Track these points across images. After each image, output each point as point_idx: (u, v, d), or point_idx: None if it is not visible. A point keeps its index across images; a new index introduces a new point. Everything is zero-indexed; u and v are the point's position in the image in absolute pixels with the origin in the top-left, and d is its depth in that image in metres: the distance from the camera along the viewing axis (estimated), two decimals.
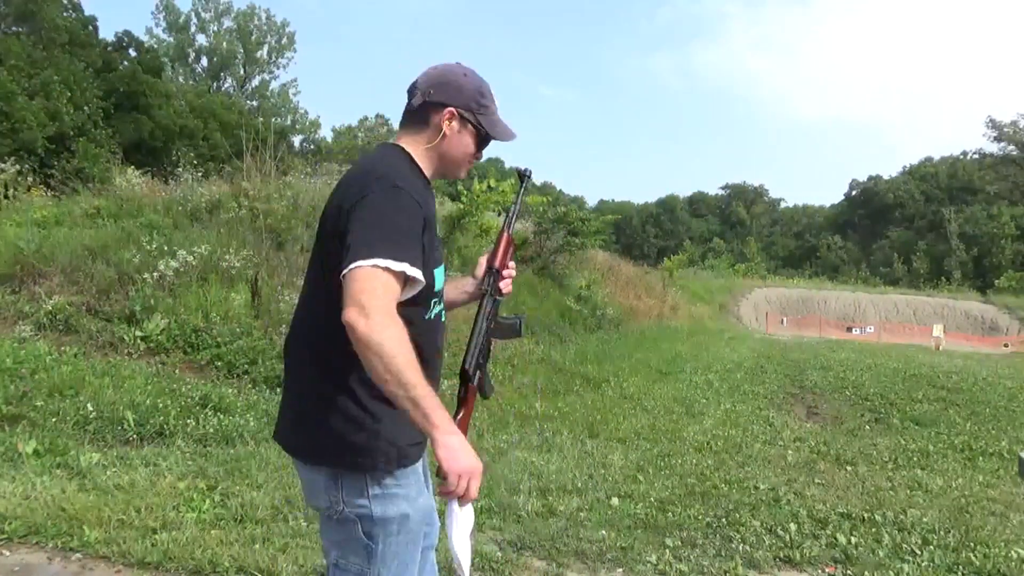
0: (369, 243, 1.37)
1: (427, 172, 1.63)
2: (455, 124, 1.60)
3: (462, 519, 1.46)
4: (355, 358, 1.37)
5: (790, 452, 5.87)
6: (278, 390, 6.00)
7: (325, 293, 1.48)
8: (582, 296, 14.83)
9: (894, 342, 25.50)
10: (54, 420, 4.67)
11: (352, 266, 1.36)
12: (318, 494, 1.55)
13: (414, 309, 1.51)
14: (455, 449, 1.37)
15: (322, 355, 1.51)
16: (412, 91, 1.63)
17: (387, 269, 1.37)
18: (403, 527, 1.54)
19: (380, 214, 1.41)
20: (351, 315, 1.33)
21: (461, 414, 1.63)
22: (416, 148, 1.61)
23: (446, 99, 1.59)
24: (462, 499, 1.42)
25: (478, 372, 1.70)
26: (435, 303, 1.61)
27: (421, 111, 1.61)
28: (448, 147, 1.62)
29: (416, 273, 1.41)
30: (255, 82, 50.85)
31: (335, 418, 1.49)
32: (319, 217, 1.60)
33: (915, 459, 5.98)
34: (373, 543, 1.52)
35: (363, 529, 1.51)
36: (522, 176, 1.93)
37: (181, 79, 45.56)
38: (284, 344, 1.68)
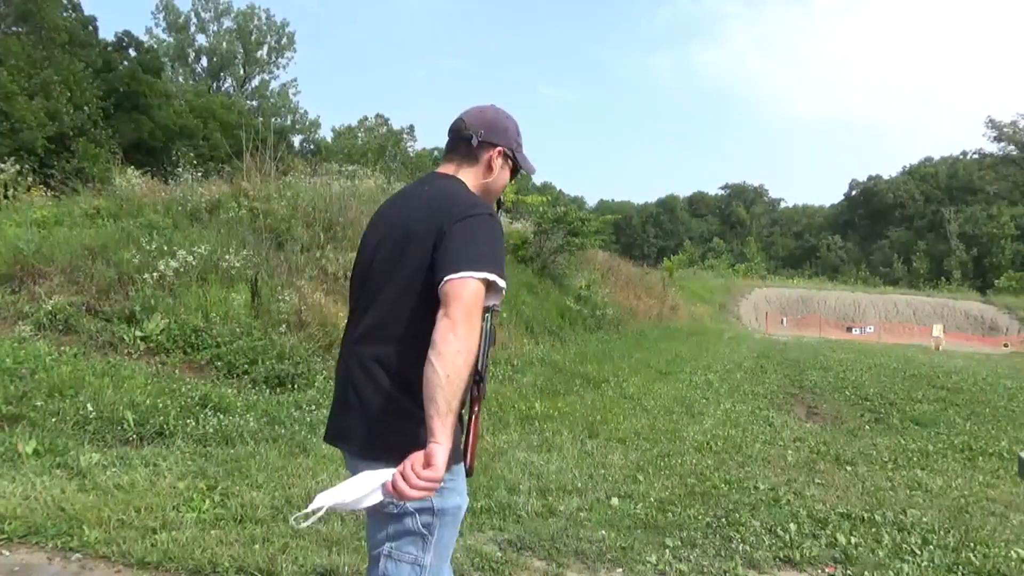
0: (476, 258, 1.57)
1: None
2: (500, 161, 1.87)
3: (357, 488, 1.52)
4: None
5: (790, 452, 5.87)
6: (278, 390, 6.03)
7: (411, 311, 1.64)
8: (582, 296, 14.83)
9: (894, 342, 25.51)
10: (54, 420, 4.67)
11: (463, 274, 1.54)
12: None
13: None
14: (444, 461, 1.48)
15: (397, 367, 1.65)
16: (461, 129, 1.86)
17: (488, 281, 1.57)
18: (455, 517, 1.75)
19: (485, 235, 1.63)
20: (456, 313, 1.50)
21: (476, 409, 1.73)
22: (473, 182, 1.85)
23: (496, 140, 1.85)
24: (396, 492, 1.47)
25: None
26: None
27: (475, 149, 1.84)
28: (496, 182, 1.88)
29: (504, 286, 1.63)
30: (255, 82, 50.90)
31: (411, 421, 1.61)
32: (393, 239, 1.74)
33: (915, 459, 5.98)
34: (429, 533, 1.70)
35: (421, 521, 1.68)
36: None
37: (181, 79, 45.56)
38: (351, 350, 1.75)
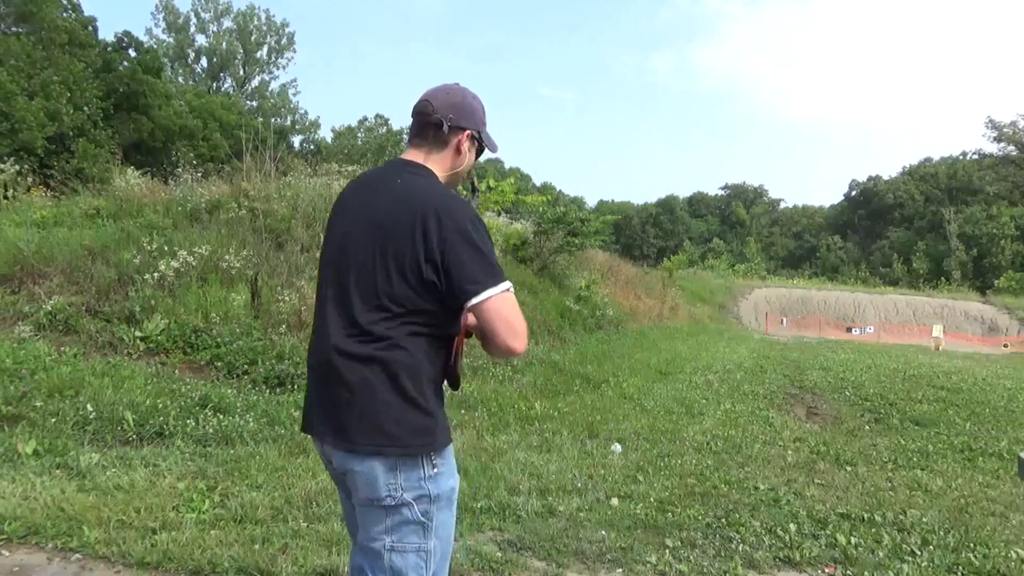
0: (489, 273, 1.64)
1: None
2: (468, 144, 1.85)
3: None
4: (416, 355, 1.66)
5: (790, 452, 5.87)
6: (278, 390, 6.02)
7: (396, 304, 1.66)
8: (582, 296, 14.82)
9: (894, 342, 25.53)
10: (54, 420, 4.67)
11: (487, 295, 1.63)
12: (375, 485, 1.68)
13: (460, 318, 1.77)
14: None
15: (387, 357, 1.66)
16: (428, 113, 1.80)
17: (509, 290, 1.67)
18: (451, 500, 1.78)
19: (483, 243, 1.66)
20: (509, 340, 1.64)
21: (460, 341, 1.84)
22: (442, 169, 1.83)
23: (465, 123, 1.82)
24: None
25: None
26: None
27: (444, 134, 1.81)
28: (464, 166, 1.87)
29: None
30: (255, 82, 50.88)
31: (404, 408, 1.66)
32: (367, 232, 1.73)
33: (915, 459, 5.98)
34: (428, 520, 1.71)
35: (420, 510, 1.70)
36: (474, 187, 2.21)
37: (181, 79, 45.56)
38: (330, 349, 1.72)
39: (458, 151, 1.83)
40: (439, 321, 1.71)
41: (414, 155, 1.82)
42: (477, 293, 1.62)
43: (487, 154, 1.98)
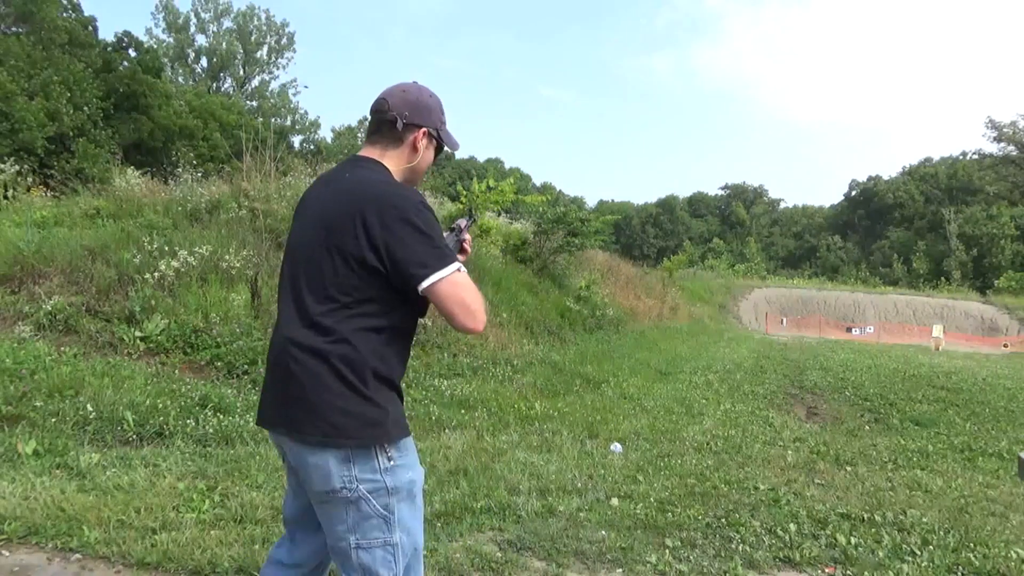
0: (436, 256, 1.66)
1: None
2: (425, 141, 1.86)
3: None
4: (366, 348, 1.66)
5: (790, 452, 5.87)
6: None
7: (344, 295, 1.68)
8: (582, 296, 14.82)
9: (894, 342, 25.52)
10: (54, 420, 4.66)
11: (437, 278, 1.64)
12: (329, 477, 1.68)
13: (417, 297, 1.72)
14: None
15: (336, 350, 1.67)
16: (385, 111, 1.83)
17: (460, 270, 1.69)
18: (411, 492, 1.76)
19: (428, 228, 1.67)
20: (466, 320, 1.68)
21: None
22: (398, 166, 1.84)
23: (421, 121, 1.84)
24: None
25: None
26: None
27: (398, 131, 1.83)
28: (422, 163, 1.88)
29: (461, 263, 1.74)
30: (255, 82, 50.89)
31: (352, 400, 1.66)
32: (313, 226, 1.77)
33: (915, 459, 5.98)
34: (389, 512, 1.71)
35: (378, 503, 1.70)
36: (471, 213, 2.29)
37: (181, 79, 45.56)
38: (284, 341, 1.75)
39: (414, 148, 1.84)
40: (390, 310, 1.71)
41: (369, 152, 1.85)
42: (426, 277, 1.64)
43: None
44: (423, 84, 1.91)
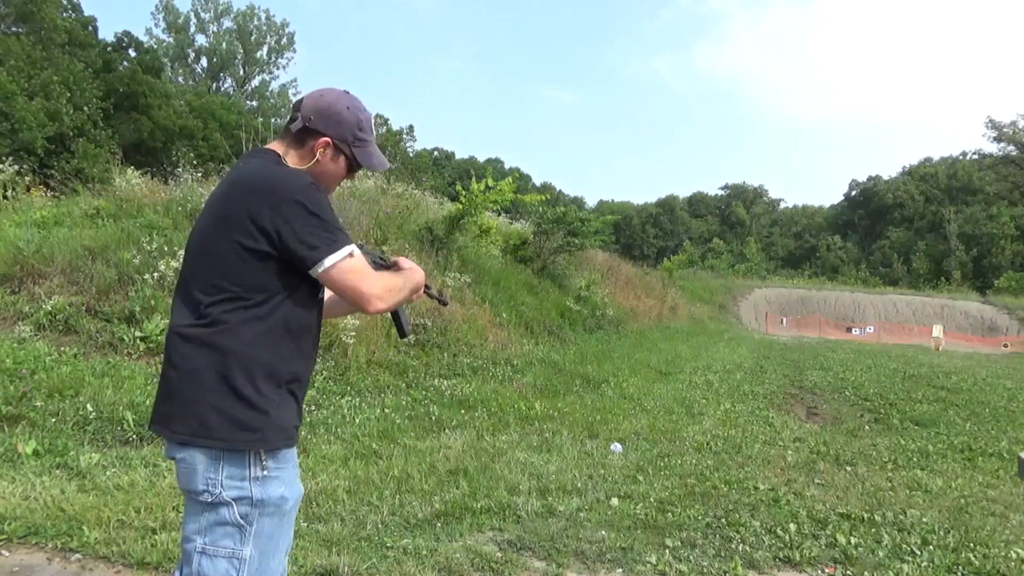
0: (327, 240, 1.61)
1: None
2: (329, 152, 1.78)
3: None
4: (251, 343, 1.60)
5: (790, 452, 5.87)
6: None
7: (234, 284, 1.61)
8: (582, 296, 14.82)
9: (894, 342, 25.52)
10: (54, 420, 4.66)
11: (329, 262, 1.60)
12: (193, 476, 1.60)
13: (314, 290, 1.72)
14: (415, 270, 1.84)
15: (218, 343, 1.60)
16: (295, 109, 1.79)
17: (352, 254, 1.64)
18: (279, 509, 1.65)
19: (318, 209, 1.61)
20: (362, 304, 1.66)
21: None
22: (292, 163, 1.76)
23: (324, 129, 1.76)
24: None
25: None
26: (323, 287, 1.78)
27: (300, 133, 1.77)
28: (320, 171, 1.78)
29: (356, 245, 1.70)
30: (255, 82, 50.90)
31: (228, 399, 1.58)
32: (206, 218, 1.72)
33: (915, 459, 5.98)
34: (247, 524, 1.60)
35: (238, 511, 1.59)
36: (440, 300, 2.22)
37: (181, 79, 45.58)
38: (171, 333, 1.69)
39: (312, 154, 1.76)
40: (284, 299, 1.64)
41: (275, 146, 1.80)
42: (317, 260, 1.60)
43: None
44: (354, 96, 1.83)
